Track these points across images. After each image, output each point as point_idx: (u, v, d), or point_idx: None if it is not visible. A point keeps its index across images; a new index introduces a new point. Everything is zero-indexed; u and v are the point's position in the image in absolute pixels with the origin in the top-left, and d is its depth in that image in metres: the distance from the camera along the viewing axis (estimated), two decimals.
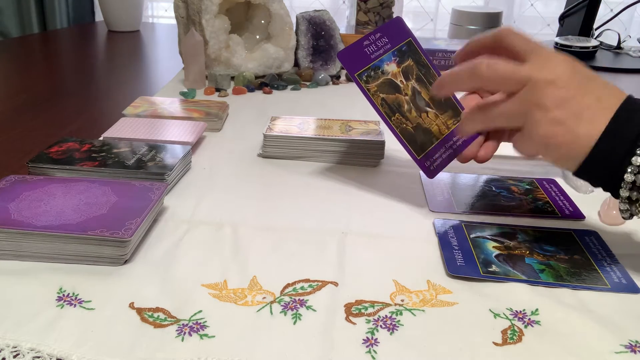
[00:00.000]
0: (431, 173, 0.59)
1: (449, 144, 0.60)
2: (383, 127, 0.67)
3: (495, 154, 0.65)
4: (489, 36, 0.51)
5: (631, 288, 0.46)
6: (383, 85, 0.58)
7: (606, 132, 0.44)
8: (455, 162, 0.61)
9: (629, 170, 0.43)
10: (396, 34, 0.61)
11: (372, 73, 0.58)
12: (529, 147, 0.48)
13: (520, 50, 0.48)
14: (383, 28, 0.60)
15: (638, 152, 0.43)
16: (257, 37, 1.05)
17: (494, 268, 0.48)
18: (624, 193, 0.44)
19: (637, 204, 0.44)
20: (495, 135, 0.62)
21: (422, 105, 0.60)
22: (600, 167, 0.45)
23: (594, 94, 0.45)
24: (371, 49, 0.59)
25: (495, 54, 0.50)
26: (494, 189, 0.63)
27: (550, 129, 0.45)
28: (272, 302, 0.44)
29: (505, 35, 0.49)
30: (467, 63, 0.49)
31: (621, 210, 0.45)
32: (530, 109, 0.46)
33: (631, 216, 0.45)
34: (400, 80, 0.59)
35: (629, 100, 0.45)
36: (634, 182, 0.43)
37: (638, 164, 0.43)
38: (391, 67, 0.59)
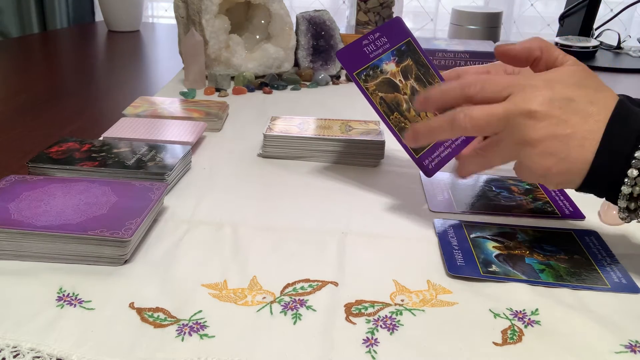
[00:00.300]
0: (430, 172, 0.59)
1: (447, 143, 0.60)
2: (383, 127, 0.67)
3: None
4: (454, 98, 0.49)
5: (631, 288, 0.46)
6: (382, 85, 0.59)
7: (599, 153, 0.44)
8: (455, 162, 0.61)
9: (626, 182, 0.44)
10: (395, 33, 0.61)
11: (371, 72, 0.58)
12: (529, 178, 0.48)
13: (497, 96, 0.47)
14: (382, 28, 0.60)
15: (633, 163, 0.43)
16: (257, 37, 1.05)
17: (494, 268, 0.48)
18: (622, 204, 0.45)
19: (636, 212, 0.45)
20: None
21: None
22: (599, 184, 0.46)
23: (577, 116, 0.44)
24: (370, 49, 0.59)
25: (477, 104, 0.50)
26: (494, 189, 0.63)
27: (543, 161, 0.45)
28: (272, 302, 0.44)
29: (474, 95, 0.47)
30: (445, 114, 0.48)
31: (621, 218, 0.46)
32: (518, 146, 0.46)
33: (631, 220, 0.46)
34: (399, 80, 0.60)
35: (618, 111, 0.45)
36: (631, 194, 0.44)
37: (634, 176, 0.43)
38: (390, 67, 0.60)
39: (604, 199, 0.47)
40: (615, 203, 0.46)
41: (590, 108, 0.45)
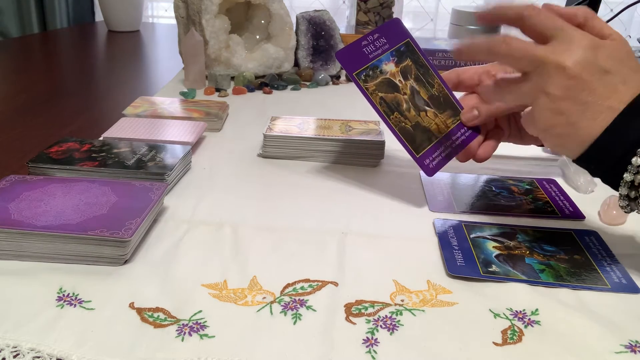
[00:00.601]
0: (430, 171, 0.59)
1: (448, 142, 0.60)
2: (383, 127, 0.67)
3: (495, 153, 0.66)
4: (512, 13, 0.49)
5: (631, 288, 0.46)
6: (381, 85, 0.59)
7: (607, 131, 0.44)
8: (455, 162, 0.61)
9: (628, 169, 0.43)
10: (394, 34, 0.61)
11: (371, 72, 0.58)
12: (531, 128, 0.48)
13: (544, 31, 0.47)
14: (381, 29, 0.60)
15: (638, 152, 0.43)
16: (257, 37, 1.05)
17: (494, 268, 0.48)
18: (623, 191, 0.45)
19: (636, 201, 0.44)
20: (495, 134, 0.62)
21: (420, 104, 0.60)
22: (598, 162, 0.46)
23: (605, 89, 0.44)
24: (369, 49, 0.59)
25: (522, 29, 0.50)
26: (494, 189, 0.63)
27: (552, 117, 0.45)
28: (272, 302, 0.44)
29: (528, 16, 0.48)
30: (486, 37, 0.49)
31: (621, 206, 0.46)
32: (537, 93, 0.46)
33: (631, 210, 0.46)
34: (399, 80, 0.60)
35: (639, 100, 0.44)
36: (632, 182, 0.44)
37: (638, 164, 0.43)
38: (389, 67, 0.60)
39: (604, 198, 0.47)
40: (613, 187, 0.46)
41: (620, 86, 0.44)
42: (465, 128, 0.62)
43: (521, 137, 0.65)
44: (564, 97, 0.45)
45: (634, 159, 0.43)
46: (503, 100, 0.51)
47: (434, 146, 0.59)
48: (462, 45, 0.51)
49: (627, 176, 0.44)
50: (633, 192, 0.44)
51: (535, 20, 0.47)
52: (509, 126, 0.64)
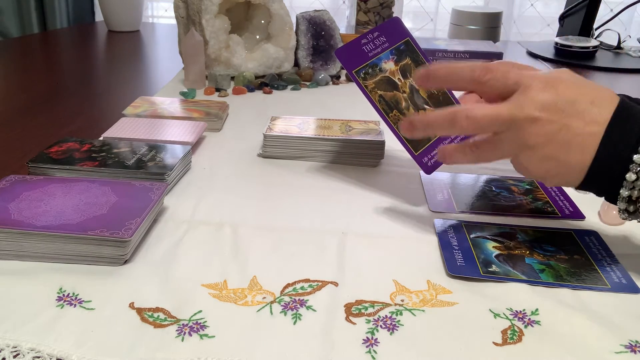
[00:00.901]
0: (429, 169, 0.59)
1: (447, 141, 0.60)
2: (383, 127, 0.67)
3: None
4: (467, 81, 0.49)
5: (631, 288, 0.46)
6: (381, 83, 0.59)
7: (597, 157, 0.44)
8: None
9: (624, 184, 0.44)
10: (394, 33, 0.61)
11: (370, 70, 0.59)
12: (527, 176, 0.49)
13: (500, 90, 0.47)
14: (381, 27, 0.61)
15: (631, 167, 0.43)
16: (257, 37, 1.05)
17: (494, 268, 0.48)
18: (621, 205, 0.45)
19: (636, 214, 0.45)
20: None
21: (420, 102, 0.60)
22: (597, 185, 0.46)
23: (579, 119, 0.44)
24: (369, 47, 0.59)
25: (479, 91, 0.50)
26: (494, 189, 0.63)
27: (541, 165, 0.46)
28: (272, 302, 0.44)
29: (481, 80, 0.47)
30: (446, 111, 0.48)
31: (622, 218, 0.46)
32: (518, 149, 0.46)
33: (634, 219, 0.46)
34: (398, 78, 0.60)
35: (618, 112, 0.44)
36: (629, 197, 0.44)
37: (632, 180, 0.43)
38: (389, 65, 0.60)
39: (603, 198, 0.48)
40: (614, 203, 0.46)
41: (592, 109, 0.44)
42: None
43: None
44: (546, 143, 0.45)
45: (628, 175, 0.43)
46: (484, 162, 0.50)
47: (433, 144, 0.59)
48: (416, 120, 0.50)
49: (624, 192, 0.44)
50: (632, 207, 0.45)
51: (492, 84, 0.47)
52: None
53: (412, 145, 0.58)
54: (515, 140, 0.46)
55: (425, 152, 0.59)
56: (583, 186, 0.46)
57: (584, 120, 0.44)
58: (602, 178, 0.45)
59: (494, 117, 0.46)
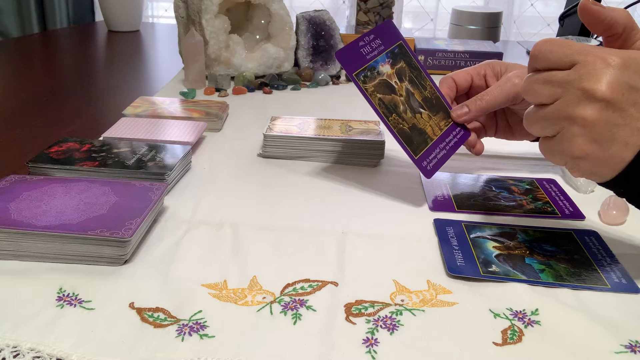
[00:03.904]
0: (428, 173, 0.59)
1: (442, 145, 0.61)
2: (383, 127, 0.67)
3: (495, 153, 0.66)
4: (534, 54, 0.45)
5: (631, 288, 0.46)
6: (379, 86, 0.59)
7: (638, 156, 0.41)
8: (455, 162, 0.61)
9: None
10: (388, 36, 0.62)
11: (369, 73, 0.59)
12: (557, 158, 0.45)
13: (564, 60, 0.43)
14: (375, 30, 0.61)
15: None
16: (257, 37, 1.05)
17: (494, 268, 0.48)
18: None
19: None
20: (483, 131, 0.66)
21: (415, 106, 0.61)
22: (626, 186, 0.43)
23: (636, 109, 0.41)
24: (366, 50, 0.60)
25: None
26: (494, 189, 0.63)
27: (583, 145, 0.42)
28: (272, 302, 0.44)
29: (545, 51, 0.44)
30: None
31: None
32: (565, 121, 0.42)
33: None
34: (395, 82, 0.60)
35: None
36: None
37: None
38: (385, 68, 0.60)
39: (604, 198, 0.47)
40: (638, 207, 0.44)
41: None
42: (458, 129, 0.63)
43: (512, 132, 0.67)
44: (596, 122, 0.41)
45: None
46: (530, 129, 0.46)
47: (430, 148, 0.60)
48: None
49: None
50: None
51: (548, 54, 0.43)
52: (495, 123, 0.66)
53: (411, 149, 0.58)
54: (565, 110, 0.42)
55: (425, 156, 0.59)
56: (611, 182, 0.43)
57: (639, 113, 0.41)
58: (636, 179, 0.42)
59: (548, 80, 0.43)
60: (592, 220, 0.57)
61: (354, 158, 0.69)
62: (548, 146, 0.45)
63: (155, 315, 0.42)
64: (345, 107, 0.89)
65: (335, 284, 0.46)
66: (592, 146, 0.42)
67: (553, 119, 0.43)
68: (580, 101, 0.41)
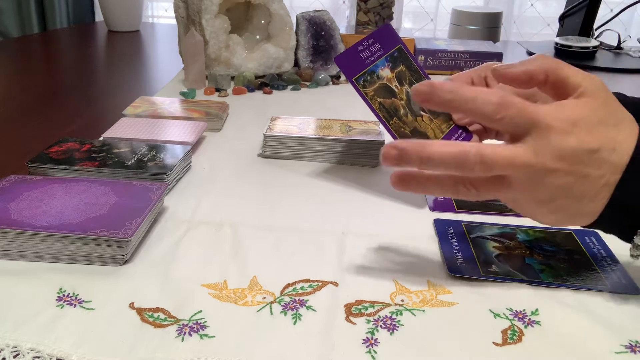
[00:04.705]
0: None
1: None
2: (383, 127, 0.67)
3: None
4: (475, 114, 0.42)
5: (631, 288, 0.46)
6: (379, 90, 0.59)
7: (608, 207, 0.42)
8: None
9: (635, 239, 0.43)
10: (387, 40, 0.62)
11: (369, 78, 0.59)
12: (535, 219, 0.45)
13: (513, 130, 0.41)
14: (374, 35, 0.61)
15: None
16: (257, 37, 1.05)
17: (494, 268, 0.48)
18: (633, 252, 0.44)
19: None
20: (489, 133, 0.65)
21: (416, 109, 0.61)
22: (606, 229, 0.45)
23: (600, 167, 0.41)
24: (365, 54, 0.60)
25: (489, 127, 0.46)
26: None
27: (551, 216, 0.43)
28: (272, 302, 0.44)
29: (493, 118, 0.41)
30: (455, 149, 0.40)
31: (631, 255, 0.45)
32: (529, 199, 0.43)
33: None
34: (395, 85, 0.60)
35: (636, 156, 0.41)
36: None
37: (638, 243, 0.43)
38: (385, 72, 0.60)
39: None
40: (627, 241, 0.45)
41: (612, 157, 0.41)
42: (460, 132, 0.63)
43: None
44: (559, 197, 0.41)
45: (636, 238, 0.43)
46: (478, 200, 0.45)
47: None
48: (411, 151, 0.41)
49: (637, 239, 0.43)
50: None
51: (503, 123, 0.41)
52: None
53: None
54: (526, 188, 0.42)
55: None
56: (592, 226, 0.44)
57: (602, 171, 0.41)
58: (611, 224, 0.44)
59: (510, 161, 0.40)
60: None
61: (354, 158, 0.69)
62: (517, 210, 0.45)
63: (155, 315, 0.42)
64: (345, 107, 0.89)
65: (335, 284, 0.46)
66: (561, 215, 0.43)
67: (514, 195, 0.43)
68: (543, 180, 0.41)
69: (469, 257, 0.50)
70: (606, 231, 0.46)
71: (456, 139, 0.62)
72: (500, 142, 0.68)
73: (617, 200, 0.42)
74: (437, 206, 0.59)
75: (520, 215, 0.57)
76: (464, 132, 0.63)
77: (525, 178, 0.41)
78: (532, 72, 0.43)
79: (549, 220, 0.44)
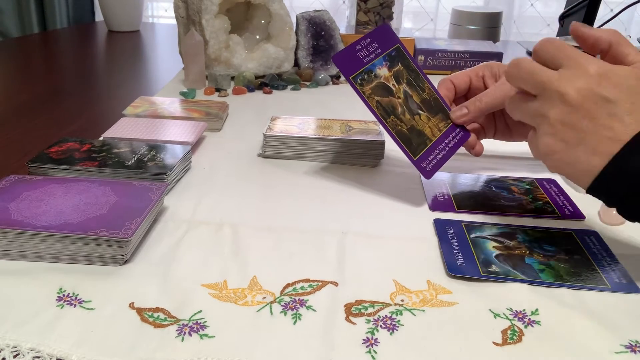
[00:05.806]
0: (428, 174, 0.59)
1: (441, 145, 0.61)
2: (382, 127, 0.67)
3: (495, 153, 0.66)
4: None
5: (631, 288, 0.46)
6: (377, 89, 0.59)
7: (610, 164, 0.42)
8: (455, 162, 0.62)
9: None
10: (385, 40, 0.62)
11: (366, 76, 0.59)
12: (534, 151, 0.49)
13: (554, 61, 0.46)
14: (372, 34, 0.61)
15: None
16: (257, 37, 1.05)
17: (494, 268, 0.48)
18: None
19: None
20: (482, 132, 0.67)
21: (414, 108, 0.61)
22: (606, 196, 0.44)
23: (607, 120, 0.42)
24: (363, 54, 0.60)
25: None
26: (494, 189, 0.63)
27: (551, 143, 0.45)
28: (272, 302, 0.44)
29: (538, 49, 0.48)
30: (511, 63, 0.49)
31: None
32: (540, 117, 0.46)
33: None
34: (392, 84, 0.60)
35: None
36: None
37: None
38: (383, 71, 0.60)
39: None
40: (628, 219, 0.45)
41: (625, 117, 0.42)
42: (457, 130, 0.63)
43: (511, 134, 0.67)
44: (563, 124, 0.44)
45: None
46: (512, 114, 0.50)
47: (429, 149, 0.60)
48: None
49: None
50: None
51: (543, 52, 0.47)
52: (494, 124, 0.67)
53: (410, 150, 0.58)
54: (541, 107, 0.46)
55: (424, 157, 0.59)
56: (591, 191, 0.45)
57: (611, 123, 0.42)
58: (611, 189, 0.43)
59: (534, 74, 0.46)
60: (592, 220, 0.57)
61: (354, 158, 0.69)
62: (530, 138, 0.49)
63: (155, 315, 0.42)
64: (345, 107, 0.89)
65: (335, 284, 0.46)
66: (559, 145, 0.45)
67: (530, 113, 0.47)
68: (554, 102, 0.45)
69: (469, 257, 0.50)
70: (612, 203, 0.45)
71: (453, 138, 0.62)
72: (500, 141, 0.68)
73: (618, 162, 0.42)
74: (437, 206, 0.59)
75: (520, 215, 0.58)
76: (461, 130, 0.64)
77: (544, 96, 0.45)
78: (599, 39, 0.48)
79: (545, 149, 0.46)
